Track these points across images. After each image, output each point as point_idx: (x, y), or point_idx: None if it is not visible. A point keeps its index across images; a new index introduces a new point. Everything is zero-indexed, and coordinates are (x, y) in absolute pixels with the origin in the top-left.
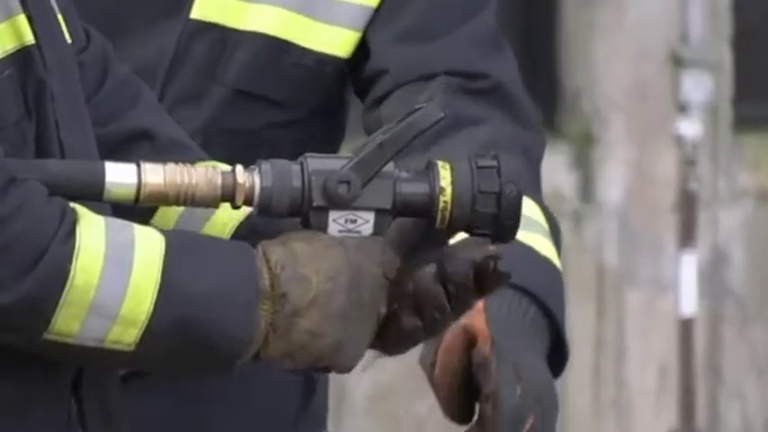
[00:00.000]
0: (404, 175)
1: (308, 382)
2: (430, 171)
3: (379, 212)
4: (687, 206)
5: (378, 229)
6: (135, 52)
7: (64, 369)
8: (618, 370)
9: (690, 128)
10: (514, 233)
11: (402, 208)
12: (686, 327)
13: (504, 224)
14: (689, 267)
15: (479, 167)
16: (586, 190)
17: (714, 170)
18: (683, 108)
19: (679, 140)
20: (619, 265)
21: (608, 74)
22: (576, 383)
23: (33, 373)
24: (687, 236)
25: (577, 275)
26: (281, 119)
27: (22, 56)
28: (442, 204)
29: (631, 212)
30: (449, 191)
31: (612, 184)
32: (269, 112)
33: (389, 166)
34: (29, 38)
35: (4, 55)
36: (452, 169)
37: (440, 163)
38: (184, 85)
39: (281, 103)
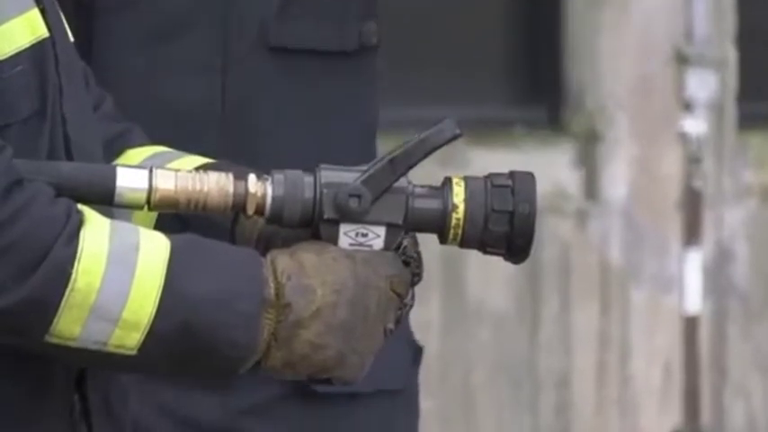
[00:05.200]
0: (417, 190)
1: (416, 349)
2: (444, 187)
3: (391, 227)
4: (692, 204)
5: (389, 244)
6: None
7: (68, 366)
8: (622, 368)
9: (694, 126)
10: (527, 252)
11: (414, 223)
12: (691, 324)
13: (516, 243)
14: (693, 265)
15: (494, 186)
16: (591, 187)
17: (719, 168)
18: (687, 106)
19: (684, 138)
20: (623, 262)
21: (612, 71)
22: (580, 381)
23: (36, 371)
24: (692, 233)
25: (582, 273)
26: None
27: (37, 49)
28: (454, 221)
29: (636, 210)
30: (461, 208)
31: (617, 181)
32: None
33: (403, 182)
34: (43, 31)
35: (17, 51)
36: (466, 187)
37: (454, 180)
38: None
39: None
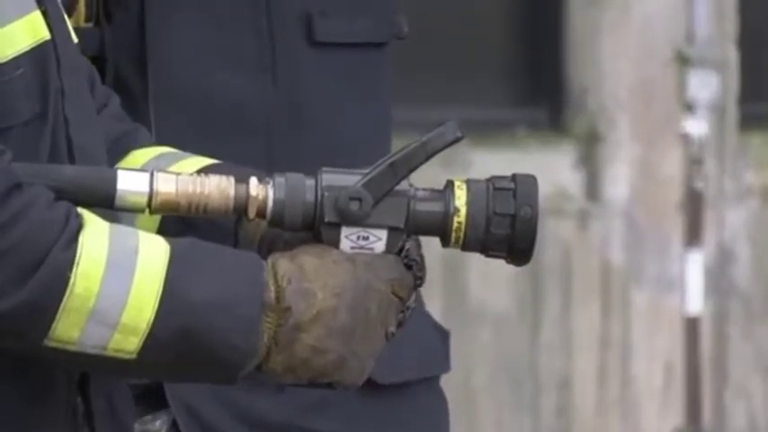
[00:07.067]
0: (419, 193)
1: (444, 334)
2: (445, 190)
3: (392, 230)
4: (693, 205)
5: (390, 247)
6: None
7: (69, 369)
8: (623, 369)
9: (696, 127)
10: (529, 256)
11: (415, 227)
12: (692, 325)
13: (518, 246)
14: (695, 266)
15: (496, 189)
16: (592, 189)
17: (720, 169)
18: (689, 107)
19: (685, 139)
20: (625, 263)
21: (614, 73)
22: (581, 382)
23: (38, 373)
24: (693, 234)
25: (583, 274)
26: None
27: (37, 52)
28: (455, 225)
29: (637, 211)
30: (463, 211)
31: (618, 182)
32: None
33: (405, 185)
34: (44, 33)
35: (18, 54)
36: (468, 190)
37: (456, 183)
38: None
39: None
